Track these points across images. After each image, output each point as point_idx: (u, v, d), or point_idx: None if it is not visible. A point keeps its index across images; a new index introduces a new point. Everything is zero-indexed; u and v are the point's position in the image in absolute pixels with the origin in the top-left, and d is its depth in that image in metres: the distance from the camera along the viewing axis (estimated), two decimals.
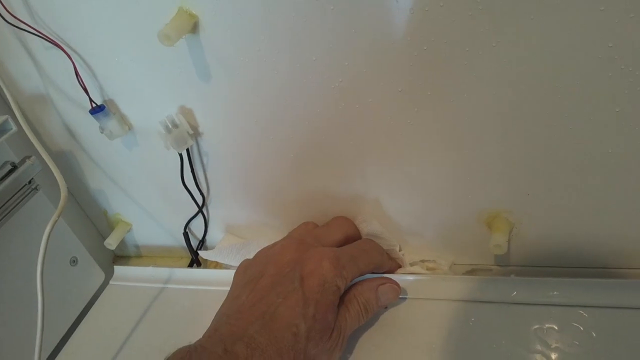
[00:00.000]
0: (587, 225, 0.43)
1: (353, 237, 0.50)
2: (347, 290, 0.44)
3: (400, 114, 0.41)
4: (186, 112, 0.47)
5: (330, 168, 0.47)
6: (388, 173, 0.46)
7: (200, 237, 0.60)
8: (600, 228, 0.43)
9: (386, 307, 0.47)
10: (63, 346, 0.53)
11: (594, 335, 0.41)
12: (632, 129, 0.36)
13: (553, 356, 0.40)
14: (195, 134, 0.48)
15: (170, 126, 0.46)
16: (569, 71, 0.35)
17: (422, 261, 0.51)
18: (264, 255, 0.46)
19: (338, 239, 0.48)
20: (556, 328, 0.42)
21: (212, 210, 0.57)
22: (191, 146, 0.49)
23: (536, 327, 0.42)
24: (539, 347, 0.41)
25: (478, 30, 0.34)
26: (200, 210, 0.55)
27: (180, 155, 0.49)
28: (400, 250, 0.52)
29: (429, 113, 0.40)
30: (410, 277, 0.49)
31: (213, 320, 0.41)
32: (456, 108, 0.39)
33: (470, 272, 0.50)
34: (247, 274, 0.44)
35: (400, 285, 0.47)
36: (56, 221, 0.44)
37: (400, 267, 0.51)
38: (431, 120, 0.41)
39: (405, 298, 0.48)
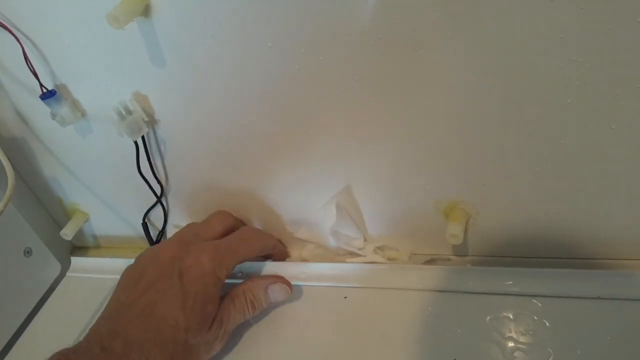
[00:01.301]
0: (542, 215, 0.44)
1: (233, 228, 0.51)
2: (238, 285, 0.46)
3: (357, 102, 0.41)
4: (141, 99, 0.46)
5: (289, 156, 0.47)
6: (346, 163, 0.46)
7: (160, 227, 0.58)
8: (554, 218, 0.44)
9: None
10: (16, 341, 0.52)
11: (548, 324, 0.41)
12: (583, 120, 0.37)
13: (508, 345, 0.40)
14: (152, 121, 0.47)
15: (124, 113, 0.45)
16: (521, 62, 0.35)
17: (383, 249, 0.51)
18: (144, 257, 0.46)
19: (218, 231, 0.49)
20: (511, 317, 0.42)
21: (172, 200, 0.56)
22: (147, 134, 0.48)
23: (491, 316, 0.43)
24: (494, 335, 0.41)
25: (433, 20, 0.34)
26: (158, 200, 0.54)
27: (136, 142, 0.47)
28: (365, 240, 0.52)
29: (385, 103, 0.40)
30: (370, 267, 0.49)
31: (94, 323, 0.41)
32: (412, 98, 0.39)
33: (430, 262, 0.50)
34: (129, 277, 0.44)
35: (361, 274, 0.47)
36: (3, 211, 0.43)
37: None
38: (387, 110, 0.41)
39: (365, 287, 0.48)
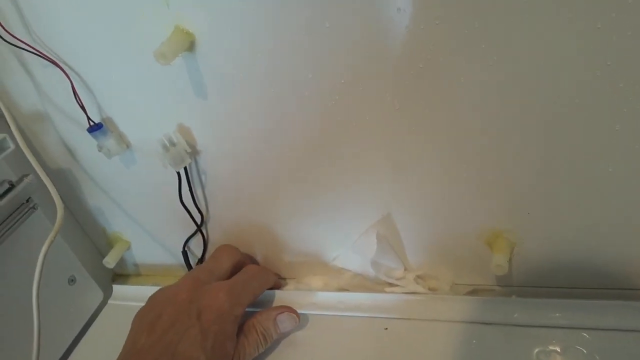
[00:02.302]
0: (590, 245, 0.42)
1: (240, 262, 0.53)
2: (247, 319, 0.46)
3: (396, 131, 0.41)
4: (184, 130, 0.47)
5: (330, 185, 0.47)
6: (387, 191, 0.45)
7: (199, 255, 0.59)
8: (603, 248, 0.42)
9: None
10: None
11: (598, 358, 0.40)
12: (632, 147, 0.36)
13: None
14: (194, 152, 0.48)
15: (167, 144, 0.46)
16: (567, 90, 0.34)
17: (424, 279, 0.51)
18: (159, 297, 0.46)
19: (228, 268, 0.50)
20: (559, 350, 0.41)
21: (211, 229, 0.56)
22: (189, 164, 0.49)
23: (538, 349, 0.41)
24: None
25: (474, 48, 0.34)
26: (198, 229, 0.55)
27: (178, 173, 0.48)
28: (405, 270, 0.51)
29: (427, 131, 0.40)
30: (411, 297, 0.48)
31: None
32: (454, 126, 0.39)
33: (472, 293, 0.49)
34: (144, 319, 0.44)
35: (402, 305, 0.46)
36: (52, 241, 0.44)
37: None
38: (429, 139, 0.40)
39: (407, 319, 0.47)
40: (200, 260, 0.59)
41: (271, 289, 0.54)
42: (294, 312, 0.48)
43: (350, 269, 0.53)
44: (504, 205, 0.42)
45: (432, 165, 0.42)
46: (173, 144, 0.46)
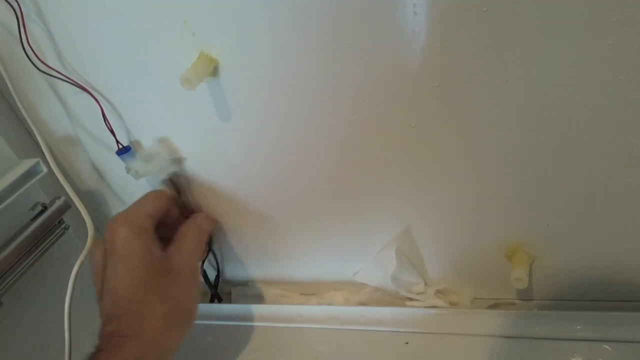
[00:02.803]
0: (611, 257, 0.43)
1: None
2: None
3: (414, 148, 0.42)
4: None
5: (350, 201, 0.48)
6: (405, 206, 0.46)
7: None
8: (624, 260, 0.43)
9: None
10: None
11: None
12: None
13: None
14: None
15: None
16: (581, 104, 0.35)
17: (444, 293, 0.51)
18: None
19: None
20: None
21: (227, 248, 0.58)
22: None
23: None
24: None
25: (490, 66, 0.35)
26: (210, 249, 0.57)
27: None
28: (425, 284, 0.52)
29: (444, 146, 0.41)
30: (432, 312, 0.49)
31: None
32: (470, 141, 0.40)
33: (493, 307, 0.49)
34: None
35: (423, 319, 0.48)
36: (83, 261, 0.46)
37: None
38: (445, 154, 0.41)
39: (427, 333, 0.47)
40: (217, 276, 0.60)
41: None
42: (204, 212, 0.52)
43: (371, 283, 0.54)
44: (522, 218, 0.43)
45: (449, 180, 0.43)
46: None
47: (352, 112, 0.41)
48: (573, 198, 0.40)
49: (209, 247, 0.57)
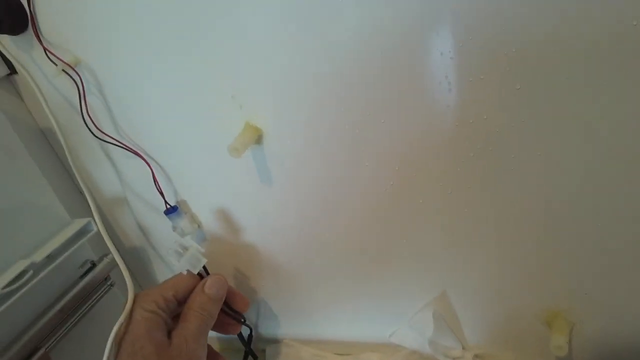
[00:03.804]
0: None
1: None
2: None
3: (451, 214, 0.43)
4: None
5: (387, 263, 0.49)
6: (443, 269, 0.47)
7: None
8: None
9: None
10: None
11: None
12: None
13: None
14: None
15: (180, 250, 0.48)
16: (616, 173, 0.36)
17: (483, 358, 0.50)
18: None
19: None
20: None
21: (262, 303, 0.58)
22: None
23: None
24: None
25: (523, 138, 0.36)
26: (243, 322, 0.57)
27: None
28: (463, 349, 0.51)
29: (479, 214, 0.42)
30: None
31: None
32: (506, 208, 0.41)
33: None
34: None
35: None
36: (122, 323, 0.47)
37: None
38: (482, 220, 0.42)
39: None
40: (250, 334, 0.61)
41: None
42: (217, 275, 0.48)
43: (407, 346, 0.54)
44: (561, 285, 0.43)
45: (486, 246, 0.43)
46: (185, 249, 0.48)
47: (390, 179, 0.43)
48: (611, 266, 0.40)
49: (242, 320, 0.52)
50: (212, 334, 0.65)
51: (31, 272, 0.44)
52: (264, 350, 0.63)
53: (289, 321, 0.60)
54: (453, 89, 0.36)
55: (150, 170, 0.50)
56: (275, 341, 0.62)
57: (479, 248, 0.44)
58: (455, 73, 0.35)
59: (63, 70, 0.46)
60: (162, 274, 0.61)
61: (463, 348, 0.51)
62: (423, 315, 0.50)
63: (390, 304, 0.52)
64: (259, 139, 0.44)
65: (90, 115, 0.48)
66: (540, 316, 0.45)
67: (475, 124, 0.37)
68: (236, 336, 0.59)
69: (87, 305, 0.51)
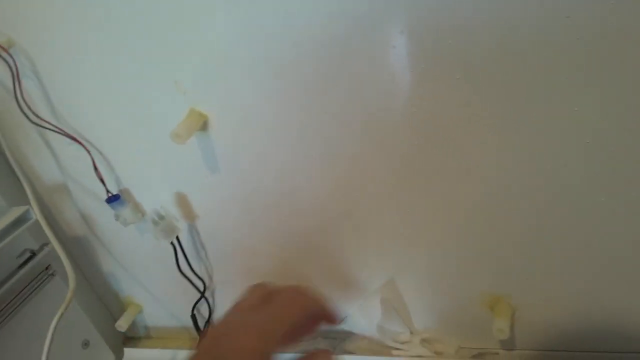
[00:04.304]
0: (588, 308, 0.44)
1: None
2: None
3: (399, 201, 0.43)
4: (184, 200, 0.49)
5: (337, 250, 0.49)
6: (389, 256, 0.47)
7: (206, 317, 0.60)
8: (601, 311, 0.43)
9: None
10: None
11: None
12: (623, 218, 0.37)
13: None
14: (192, 218, 0.51)
15: (157, 219, 0.48)
16: (560, 167, 0.37)
17: (430, 342, 0.51)
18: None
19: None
20: None
21: (218, 294, 0.58)
22: (194, 233, 0.51)
23: None
24: None
25: (464, 127, 0.37)
26: (202, 296, 0.56)
27: (172, 244, 0.50)
28: (411, 333, 0.52)
29: (426, 202, 0.42)
30: None
31: None
32: (449, 196, 0.41)
33: (477, 356, 0.50)
34: None
35: None
36: (63, 313, 0.46)
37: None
38: (428, 207, 0.43)
39: None
40: (207, 321, 0.60)
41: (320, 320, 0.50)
42: (324, 351, 0.44)
43: (356, 332, 0.54)
44: (502, 270, 0.44)
45: (432, 233, 0.44)
46: (162, 217, 0.48)
47: (338, 166, 0.42)
48: (549, 253, 0.41)
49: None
50: (163, 323, 0.64)
51: None
52: None
53: None
54: (396, 79, 0.36)
55: (90, 157, 0.48)
56: None
57: (423, 234, 0.44)
58: (398, 63, 0.35)
59: None
60: (106, 263, 0.59)
61: (411, 333, 0.52)
62: (371, 301, 0.50)
63: (341, 290, 0.52)
64: (204, 125, 0.43)
65: (26, 100, 0.45)
66: (484, 301, 0.46)
67: (418, 114, 0.37)
68: (192, 325, 0.59)
69: (26, 295, 0.49)
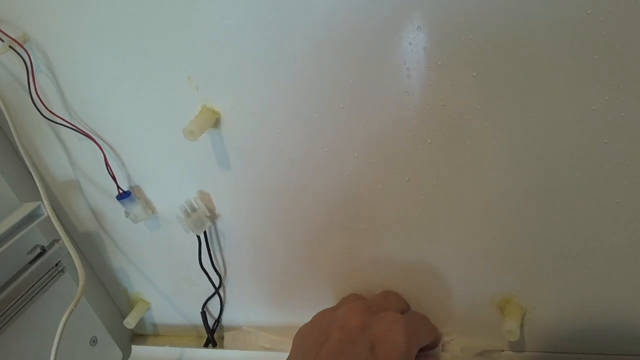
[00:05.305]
0: (601, 311, 0.43)
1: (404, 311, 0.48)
2: None
3: (409, 201, 0.43)
4: (204, 197, 0.49)
5: (344, 249, 0.49)
6: (400, 256, 0.47)
7: (216, 316, 0.60)
8: (613, 314, 0.43)
9: None
10: None
11: None
12: (634, 218, 0.37)
13: None
14: (213, 217, 0.51)
15: (189, 210, 0.48)
16: (569, 167, 0.37)
17: None
18: (326, 319, 0.42)
19: (399, 310, 0.45)
20: None
21: (229, 291, 0.58)
22: (209, 229, 0.51)
23: None
24: None
25: (479, 127, 0.37)
26: (216, 291, 0.57)
27: (199, 237, 0.51)
28: None
29: (436, 201, 0.42)
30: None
31: None
32: (461, 196, 0.41)
33: (481, 354, 0.49)
34: (308, 339, 0.40)
35: None
36: (73, 309, 0.46)
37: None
38: (438, 208, 0.42)
39: None
40: (217, 321, 0.60)
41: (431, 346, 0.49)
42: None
43: None
44: (513, 271, 0.44)
45: (442, 233, 0.44)
46: (194, 209, 0.49)
47: (348, 164, 0.42)
48: (561, 254, 0.41)
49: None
50: (171, 320, 0.64)
51: None
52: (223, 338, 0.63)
53: (250, 309, 0.59)
54: (412, 75, 0.36)
55: (102, 154, 0.48)
56: (234, 328, 0.62)
57: (434, 234, 0.44)
58: (414, 60, 0.35)
59: (10, 47, 0.44)
60: (115, 260, 0.59)
61: None
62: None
63: (349, 289, 0.52)
64: (216, 123, 0.43)
65: (40, 95, 0.46)
66: (494, 302, 0.46)
67: (433, 111, 0.37)
68: (201, 323, 0.59)
69: (36, 291, 0.50)
